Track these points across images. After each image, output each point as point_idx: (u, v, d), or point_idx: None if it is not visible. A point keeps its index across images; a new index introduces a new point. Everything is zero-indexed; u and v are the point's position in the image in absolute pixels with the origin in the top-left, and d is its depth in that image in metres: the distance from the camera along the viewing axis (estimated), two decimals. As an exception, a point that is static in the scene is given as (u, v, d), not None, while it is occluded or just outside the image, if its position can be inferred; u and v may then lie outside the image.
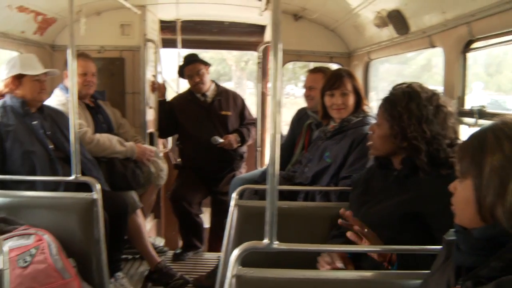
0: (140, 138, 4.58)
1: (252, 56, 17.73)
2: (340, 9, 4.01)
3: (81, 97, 3.92)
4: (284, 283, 1.83)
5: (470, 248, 1.40)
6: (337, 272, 2.01)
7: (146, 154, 4.22)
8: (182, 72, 4.90)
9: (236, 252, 1.81)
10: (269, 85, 5.70)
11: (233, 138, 4.78)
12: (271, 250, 1.79)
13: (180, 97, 5.14)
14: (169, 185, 5.06)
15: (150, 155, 4.27)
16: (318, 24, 4.76)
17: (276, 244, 1.80)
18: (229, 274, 1.81)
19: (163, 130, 5.03)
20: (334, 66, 4.83)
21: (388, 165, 2.41)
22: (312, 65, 5.39)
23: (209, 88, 4.88)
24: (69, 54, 2.83)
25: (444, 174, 2.14)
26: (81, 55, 4.00)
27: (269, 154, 1.77)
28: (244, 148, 5.04)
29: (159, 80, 5.07)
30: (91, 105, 4.21)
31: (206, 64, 4.84)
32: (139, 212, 4.06)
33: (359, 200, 2.48)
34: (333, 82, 3.23)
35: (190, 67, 4.78)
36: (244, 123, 5.01)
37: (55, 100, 3.95)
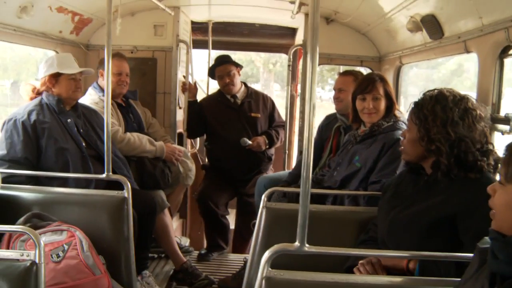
0: (169, 138, 4.63)
1: (280, 58, 17.71)
2: (373, 13, 3.99)
3: (113, 96, 3.97)
4: (314, 286, 1.83)
5: (508, 256, 1.38)
6: (366, 277, 2.00)
7: (175, 154, 4.26)
8: (212, 72, 4.92)
9: (266, 254, 1.81)
10: (299, 87, 5.74)
11: (261, 140, 4.79)
12: (302, 253, 1.79)
13: (210, 98, 5.18)
14: (196, 185, 5.10)
15: (179, 155, 4.31)
16: (350, 27, 4.74)
17: (307, 247, 1.80)
18: (259, 275, 1.82)
19: (192, 130, 5.07)
20: (364, 70, 4.81)
21: (419, 170, 2.40)
22: (342, 68, 5.38)
23: (239, 90, 4.91)
24: (106, 53, 2.87)
25: (473, 178, 2.15)
26: (116, 55, 4.07)
27: (303, 157, 1.76)
28: (272, 150, 5.05)
29: (190, 81, 5.12)
30: (122, 104, 4.28)
31: (238, 66, 4.85)
32: (166, 211, 4.09)
33: (389, 204, 2.47)
34: (365, 86, 3.20)
35: (221, 68, 4.80)
36: (273, 125, 5.01)
37: (88, 98, 4.03)
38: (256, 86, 17.05)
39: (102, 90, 4.10)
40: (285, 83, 5.36)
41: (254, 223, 4.75)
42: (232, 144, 4.74)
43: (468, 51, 2.97)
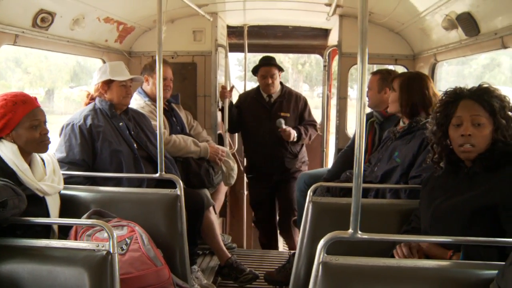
0: (211, 140, 4.80)
1: (309, 59, 17.77)
2: (407, 13, 4.07)
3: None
4: (367, 269, 1.97)
5: None
6: (416, 261, 2.11)
7: (218, 154, 4.44)
8: (256, 70, 5.16)
9: (322, 241, 1.96)
10: (333, 87, 5.85)
11: (292, 131, 4.96)
12: (355, 239, 1.93)
13: (247, 94, 5.48)
14: (235, 185, 5.29)
15: (222, 155, 4.47)
16: (383, 27, 4.81)
17: (360, 234, 1.94)
18: (316, 261, 1.96)
19: (232, 127, 5.37)
20: (398, 69, 4.90)
21: (458, 163, 2.49)
22: (375, 67, 5.48)
23: (275, 91, 5.12)
24: (157, 59, 3.05)
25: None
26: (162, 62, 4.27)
27: (355, 154, 1.91)
28: (298, 148, 5.19)
29: (228, 85, 5.30)
30: (166, 108, 4.45)
31: (280, 70, 5.12)
32: (211, 209, 4.26)
33: (430, 196, 2.57)
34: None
35: (266, 68, 5.07)
36: (303, 123, 5.19)
37: (134, 103, 4.22)
38: (285, 87, 17.17)
39: (147, 95, 4.31)
40: (313, 83, 5.49)
41: (295, 220, 4.93)
42: (260, 139, 5.05)
43: (505, 47, 3.03)
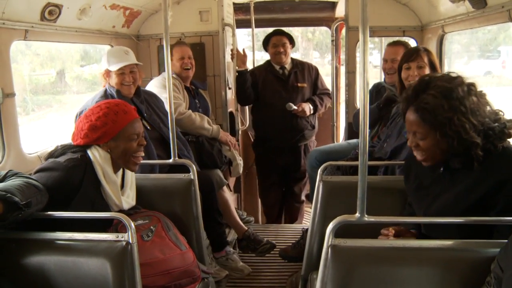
0: None
1: (320, 27, 17.64)
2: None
3: (183, 79, 4.45)
4: (374, 250, 2.05)
5: None
6: (421, 241, 2.17)
7: (228, 137, 4.59)
8: (267, 41, 5.20)
9: (331, 226, 2.04)
10: (342, 58, 5.85)
11: (306, 106, 5.04)
12: (362, 223, 2.01)
13: (259, 68, 5.44)
14: (247, 164, 5.42)
15: (232, 140, 4.63)
16: (390, -1, 4.81)
17: (366, 217, 2.02)
18: (325, 244, 2.04)
19: (243, 98, 5.27)
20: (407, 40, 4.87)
21: None
22: (384, 39, 5.47)
23: (286, 62, 5.16)
24: (164, 41, 3.13)
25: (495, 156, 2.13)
26: (177, 43, 4.54)
27: (360, 133, 1.96)
28: (314, 120, 5.27)
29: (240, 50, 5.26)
30: (190, 88, 4.59)
31: (292, 42, 5.15)
32: (225, 188, 4.40)
33: (417, 196, 2.49)
34: (410, 55, 3.39)
35: (278, 37, 5.12)
36: (317, 92, 5.24)
37: (160, 78, 4.46)
38: (295, 55, 17.13)
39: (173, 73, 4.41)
40: (324, 51, 5.49)
41: (308, 194, 5.02)
42: (277, 112, 5.04)
43: (512, 20, 3.03)
